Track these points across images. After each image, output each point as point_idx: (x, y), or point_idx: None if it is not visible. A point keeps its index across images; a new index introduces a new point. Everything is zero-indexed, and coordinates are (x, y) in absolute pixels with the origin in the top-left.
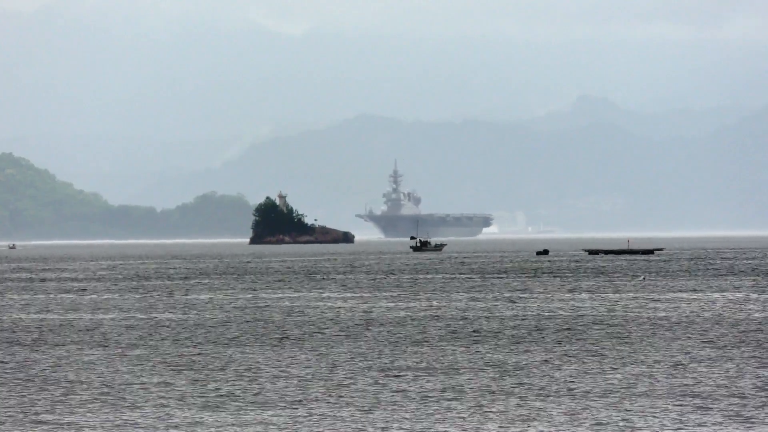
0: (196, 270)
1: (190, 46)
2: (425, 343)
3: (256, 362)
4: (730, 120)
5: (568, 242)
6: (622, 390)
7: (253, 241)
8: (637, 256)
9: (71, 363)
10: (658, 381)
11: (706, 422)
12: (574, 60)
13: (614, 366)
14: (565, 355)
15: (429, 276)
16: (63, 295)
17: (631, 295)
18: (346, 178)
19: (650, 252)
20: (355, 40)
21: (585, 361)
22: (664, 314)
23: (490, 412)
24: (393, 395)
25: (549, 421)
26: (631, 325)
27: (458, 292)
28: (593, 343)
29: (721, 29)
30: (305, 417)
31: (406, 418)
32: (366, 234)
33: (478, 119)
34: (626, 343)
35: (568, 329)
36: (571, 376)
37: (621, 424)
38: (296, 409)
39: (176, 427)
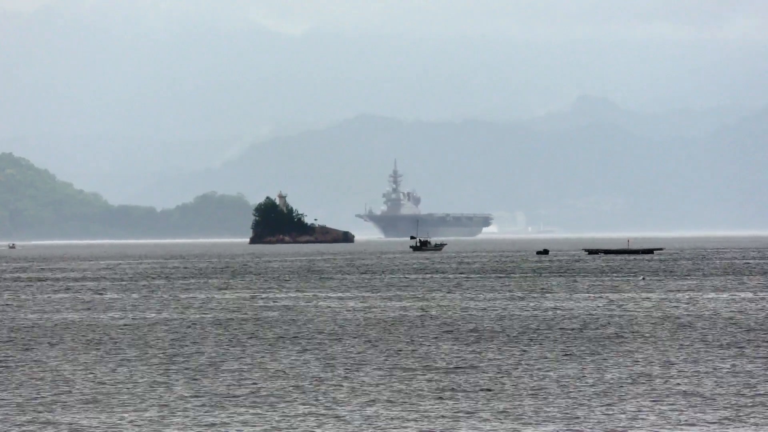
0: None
1: (190, 46)
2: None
3: (255, 363)
4: (730, 120)
5: (568, 242)
6: (622, 390)
7: (253, 241)
8: (637, 256)
9: (71, 362)
10: (657, 381)
11: (705, 422)
12: (574, 60)
13: (614, 366)
14: (565, 354)
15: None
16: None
17: (631, 295)
18: (346, 178)
19: (650, 252)
20: (355, 40)
21: (584, 360)
22: (661, 314)
23: (490, 412)
24: (393, 395)
25: (549, 421)
26: (631, 324)
27: (460, 292)
28: (593, 343)
29: (721, 29)
30: (305, 416)
31: (408, 418)
32: (366, 234)
33: (478, 119)
34: (625, 343)
35: (568, 329)
36: (570, 375)
37: (621, 424)
38: (296, 409)
39: (176, 427)
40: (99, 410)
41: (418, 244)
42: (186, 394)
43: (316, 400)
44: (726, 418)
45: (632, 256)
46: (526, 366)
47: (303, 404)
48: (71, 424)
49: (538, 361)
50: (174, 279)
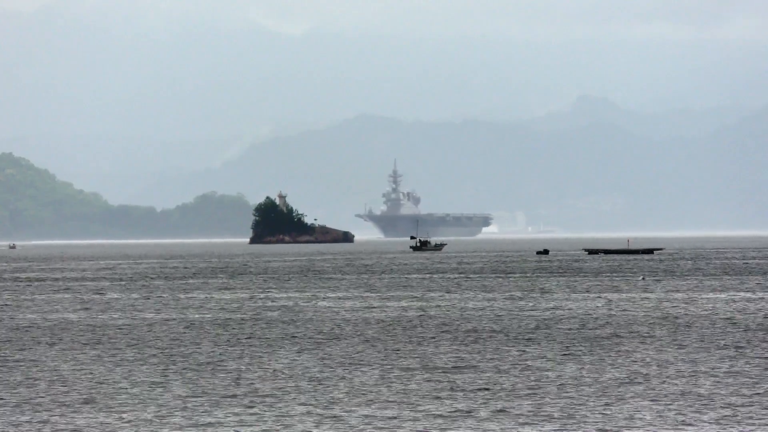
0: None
1: (190, 46)
2: (427, 342)
3: (254, 363)
4: (730, 120)
5: (568, 242)
6: (621, 390)
7: (253, 240)
8: (637, 256)
9: (69, 362)
10: (656, 381)
11: (704, 422)
12: (574, 60)
13: (612, 366)
14: (564, 354)
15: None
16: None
17: (630, 295)
18: (346, 178)
19: (650, 252)
20: (355, 40)
21: (583, 360)
22: (660, 314)
23: (489, 411)
24: (394, 394)
25: (547, 421)
26: (630, 324)
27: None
28: (592, 343)
29: (721, 29)
30: (303, 416)
31: (407, 418)
32: (366, 234)
33: (478, 119)
34: (624, 343)
35: (567, 329)
36: (569, 375)
37: (619, 424)
38: (295, 408)
39: (175, 427)
40: (98, 410)
41: (418, 244)
42: (185, 394)
43: (315, 399)
44: (724, 418)
45: (632, 256)
46: (524, 366)
47: (301, 404)
48: (70, 424)
49: (536, 360)
50: (174, 279)
